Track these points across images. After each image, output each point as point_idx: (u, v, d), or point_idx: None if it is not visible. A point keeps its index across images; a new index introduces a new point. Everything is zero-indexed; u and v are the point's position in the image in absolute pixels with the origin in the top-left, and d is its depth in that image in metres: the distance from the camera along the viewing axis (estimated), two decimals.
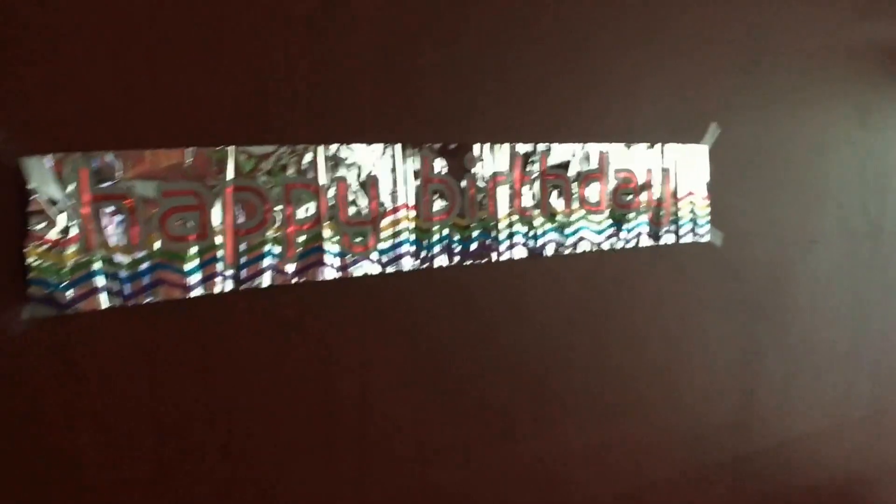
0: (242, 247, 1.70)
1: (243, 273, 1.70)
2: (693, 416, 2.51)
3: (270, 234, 1.73)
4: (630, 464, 2.37)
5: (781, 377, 2.74)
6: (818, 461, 2.89)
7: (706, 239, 2.45)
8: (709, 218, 2.45)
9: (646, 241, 2.32)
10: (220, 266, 1.67)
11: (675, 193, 2.37)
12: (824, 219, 2.81)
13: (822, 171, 2.79)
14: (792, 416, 2.78)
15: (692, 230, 2.42)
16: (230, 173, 1.67)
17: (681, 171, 2.38)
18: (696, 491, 2.55)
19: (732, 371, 2.60)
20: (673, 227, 2.38)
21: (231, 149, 1.67)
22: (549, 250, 2.14)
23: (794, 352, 2.77)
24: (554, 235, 2.14)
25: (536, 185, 2.10)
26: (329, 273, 1.80)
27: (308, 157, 1.76)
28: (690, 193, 2.41)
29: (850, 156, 2.86)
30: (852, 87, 2.83)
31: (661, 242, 2.36)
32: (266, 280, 1.73)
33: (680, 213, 2.39)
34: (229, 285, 1.69)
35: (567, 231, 2.16)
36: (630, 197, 2.28)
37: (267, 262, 1.73)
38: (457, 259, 1.98)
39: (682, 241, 2.40)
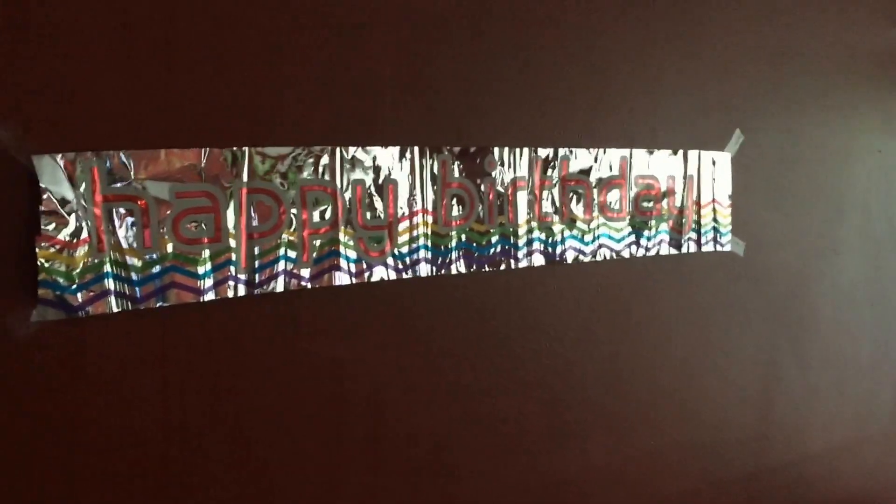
0: (256, 250, 1.66)
1: (257, 277, 1.66)
2: (710, 429, 2.46)
3: (285, 237, 1.69)
4: (645, 477, 2.32)
5: (801, 390, 2.68)
6: (837, 476, 2.83)
7: (728, 248, 2.40)
8: (731, 227, 2.40)
9: (666, 250, 2.27)
10: (233, 270, 1.63)
11: (697, 201, 2.32)
12: (848, 228, 2.75)
13: (847, 180, 2.73)
14: (812, 431, 2.72)
15: (714, 239, 2.37)
16: (245, 175, 1.63)
17: (704, 178, 2.32)
18: None
19: (751, 384, 2.54)
20: (694, 236, 2.33)
21: (246, 149, 1.63)
22: (569, 258, 2.09)
23: (815, 364, 2.71)
24: (573, 242, 2.09)
25: (556, 190, 2.05)
26: (344, 278, 1.76)
27: (325, 159, 1.72)
28: (713, 201, 2.35)
29: (875, 164, 2.80)
30: (879, 95, 2.77)
31: (682, 251, 2.30)
32: (280, 285, 1.69)
33: (702, 222, 2.33)
34: (242, 290, 1.65)
35: (587, 238, 2.11)
36: (651, 204, 2.23)
37: (281, 266, 1.69)
38: (474, 266, 1.94)
39: (703, 249, 2.34)
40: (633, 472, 2.29)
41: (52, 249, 1.45)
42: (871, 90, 2.75)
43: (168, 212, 1.56)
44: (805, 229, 2.62)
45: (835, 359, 2.76)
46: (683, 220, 2.30)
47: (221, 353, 1.65)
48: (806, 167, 2.60)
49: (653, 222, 2.24)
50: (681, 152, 2.27)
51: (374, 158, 1.78)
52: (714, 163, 2.34)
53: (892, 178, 2.85)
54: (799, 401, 2.68)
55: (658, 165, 2.23)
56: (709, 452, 2.46)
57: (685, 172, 2.28)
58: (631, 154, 2.17)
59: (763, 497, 2.62)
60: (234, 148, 1.62)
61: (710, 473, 2.47)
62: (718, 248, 2.38)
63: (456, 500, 1.98)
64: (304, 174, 1.70)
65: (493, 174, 1.95)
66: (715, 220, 2.37)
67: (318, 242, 1.73)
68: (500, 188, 1.96)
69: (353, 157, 1.76)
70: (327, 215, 1.73)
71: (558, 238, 2.06)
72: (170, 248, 1.57)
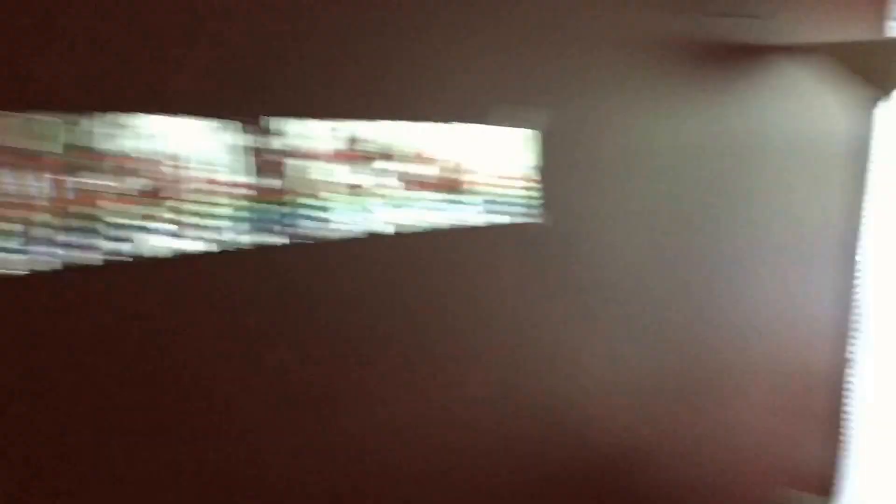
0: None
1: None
2: (506, 386, 2.58)
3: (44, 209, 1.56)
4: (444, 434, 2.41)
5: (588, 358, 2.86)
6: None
7: (538, 220, 2.50)
8: (539, 201, 2.49)
9: (475, 221, 2.33)
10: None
11: (501, 176, 2.38)
12: (654, 200, 2.93)
13: (654, 154, 2.90)
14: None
15: (523, 213, 2.45)
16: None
17: (507, 154, 2.39)
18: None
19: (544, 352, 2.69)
20: (503, 209, 2.40)
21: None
22: (376, 228, 2.09)
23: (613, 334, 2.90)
24: (378, 214, 2.09)
25: (358, 162, 2.04)
26: (151, 251, 1.68)
27: (97, 125, 1.60)
28: (516, 177, 2.43)
29: (679, 140, 3.00)
30: (680, 78, 2.95)
31: (491, 222, 2.37)
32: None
33: (510, 195, 2.41)
34: None
35: (393, 209, 2.12)
36: (456, 177, 2.26)
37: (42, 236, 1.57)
38: (276, 238, 1.90)
39: (512, 221, 2.43)
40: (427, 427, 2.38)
41: None
42: (662, 71, 2.93)
43: None
44: (611, 200, 2.77)
45: (630, 325, 2.98)
46: (490, 194, 2.36)
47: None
48: (614, 143, 2.73)
49: (460, 196, 2.28)
50: (484, 126, 2.31)
51: (162, 128, 1.68)
52: (518, 138, 2.41)
53: (688, 153, 3.06)
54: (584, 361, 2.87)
55: (458, 139, 2.25)
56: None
57: (467, 146, 2.31)
58: (434, 128, 2.19)
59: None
60: None
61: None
62: (528, 220, 2.47)
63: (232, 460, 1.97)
64: (74, 140, 1.57)
65: (292, 145, 1.90)
66: (521, 194, 2.44)
67: (83, 212, 1.61)
68: (298, 160, 1.91)
69: (135, 125, 1.65)
70: (130, 187, 1.63)
71: (360, 209, 2.05)
72: None
